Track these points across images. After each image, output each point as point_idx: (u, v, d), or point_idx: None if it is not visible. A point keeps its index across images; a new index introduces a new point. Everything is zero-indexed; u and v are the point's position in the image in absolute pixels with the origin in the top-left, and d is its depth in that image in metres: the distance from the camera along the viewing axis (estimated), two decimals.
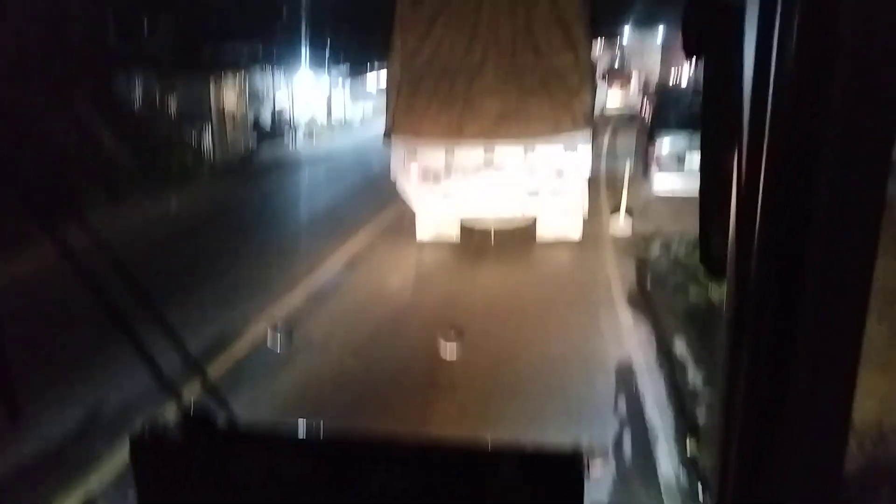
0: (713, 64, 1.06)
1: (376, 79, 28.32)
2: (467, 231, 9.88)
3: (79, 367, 5.91)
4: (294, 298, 7.81)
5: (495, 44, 8.66)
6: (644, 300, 7.65)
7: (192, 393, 1.66)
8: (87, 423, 5.16)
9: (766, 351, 0.92)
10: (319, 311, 7.54)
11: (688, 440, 4.77)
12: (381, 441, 1.25)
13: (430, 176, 9.07)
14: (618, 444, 4.83)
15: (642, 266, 8.84)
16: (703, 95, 1.15)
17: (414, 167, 9.08)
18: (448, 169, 9.01)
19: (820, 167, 0.84)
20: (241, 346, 6.36)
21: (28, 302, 7.49)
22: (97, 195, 12.80)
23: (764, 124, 0.87)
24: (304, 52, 22.56)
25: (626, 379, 5.76)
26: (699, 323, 6.79)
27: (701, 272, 7.03)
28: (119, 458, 4.41)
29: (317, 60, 23.61)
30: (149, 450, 1.27)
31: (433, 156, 8.99)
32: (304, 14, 21.39)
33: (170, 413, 1.43)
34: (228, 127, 19.62)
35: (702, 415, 5.10)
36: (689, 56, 0.98)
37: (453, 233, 9.79)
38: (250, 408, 5.19)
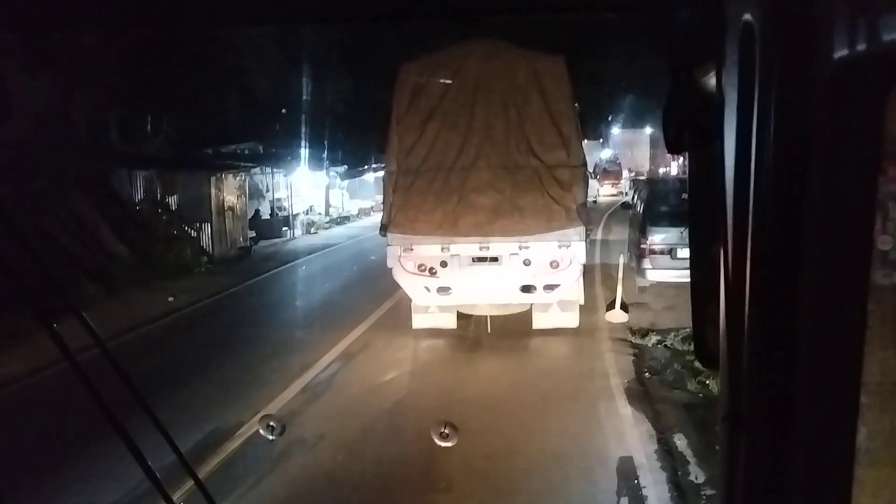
0: (697, 157, 1.10)
1: (374, 174, 28.94)
2: (463, 318, 9.86)
3: (70, 464, 5.75)
4: (288, 394, 7.69)
5: (489, 142, 8.91)
6: (643, 393, 7.55)
7: (182, 492, 1.62)
8: None
9: (762, 447, 0.91)
10: (313, 407, 7.42)
11: None
12: None
13: (426, 269, 9.14)
14: None
15: (639, 358, 8.79)
16: (689, 188, 1.18)
17: (410, 261, 9.16)
18: (444, 262, 9.08)
19: (804, 253, 0.85)
20: (232, 444, 6.23)
21: (21, 398, 7.38)
22: (94, 289, 12.82)
23: (747, 213, 0.89)
24: (303, 151, 23.13)
25: (627, 476, 5.60)
26: (698, 416, 6.69)
27: (698, 364, 6.99)
28: None
29: (316, 158, 24.18)
30: None
31: (429, 249, 9.08)
32: (302, 115, 22.06)
33: None
34: (227, 223, 19.87)
35: None
36: (671, 152, 1.01)
37: (449, 322, 9.81)
38: None
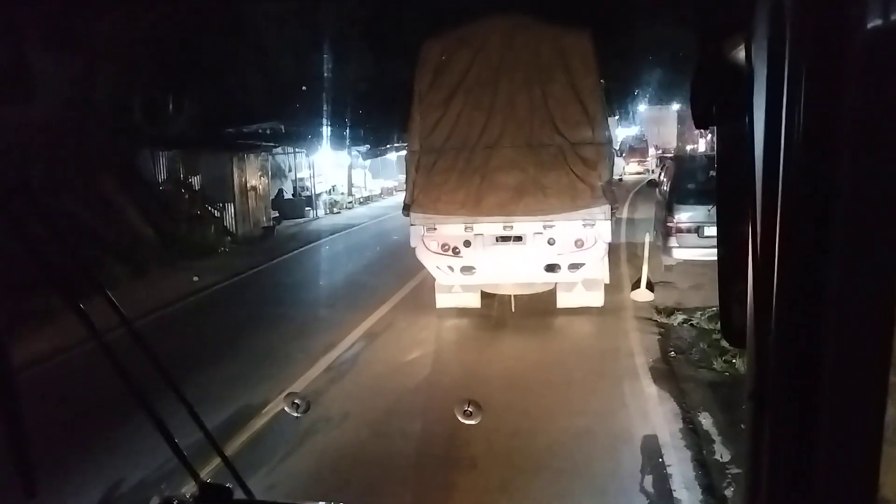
0: (725, 133, 1.08)
1: (396, 153, 28.95)
2: (488, 298, 9.87)
3: (98, 443, 5.88)
4: (312, 373, 7.78)
5: (512, 119, 8.83)
6: (668, 371, 7.52)
7: (208, 469, 1.64)
8: (106, 500, 5.10)
9: (788, 426, 0.90)
10: (338, 386, 7.50)
11: None
12: None
13: (449, 249, 9.13)
14: None
15: (665, 337, 8.74)
16: (717, 165, 1.16)
17: (433, 240, 9.16)
18: (467, 242, 9.07)
19: (833, 233, 0.83)
20: (258, 422, 6.33)
21: (49, 377, 7.55)
22: (120, 270, 13.03)
23: (776, 191, 0.87)
24: (325, 130, 23.17)
25: (651, 454, 5.60)
26: (724, 395, 6.65)
27: (724, 342, 6.94)
28: None
29: (338, 137, 24.21)
30: None
31: (452, 229, 9.07)
32: (325, 94, 22.07)
33: (187, 489, 1.42)
34: (250, 203, 20.04)
35: (730, 492, 4.94)
36: (699, 127, 1.00)
37: (473, 301, 9.82)
38: (267, 484, 5.13)
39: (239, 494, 1.50)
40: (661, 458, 5.51)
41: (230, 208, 19.07)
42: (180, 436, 1.47)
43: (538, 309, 9.76)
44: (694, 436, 5.91)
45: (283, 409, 2.31)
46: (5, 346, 1.24)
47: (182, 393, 1.51)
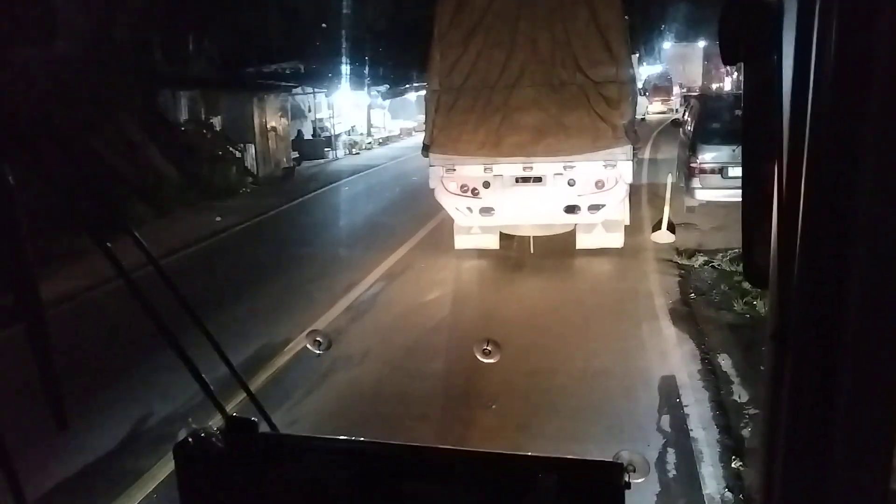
0: (752, 70, 1.05)
1: (415, 95, 28.59)
2: (506, 239, 9.88)
3: (127, 378, 6.06)
4: (334, 312, 7.89)
5: (534, 58, 8.66)
6: (688, 313, 7.52)
7: (234, 404, 1.69)
8: (133, 434, 5.27)
9: (809, 366, 0.90)
10: (358, 325, 7.60)
11: (733, 458, 4.66)
12: (419, 452, 1.25)
13: (468, 190, 9.09)
14: (661, 461, 4.74)
15: (685, 278, 8.72)
16: (744, 103, 1.13)
17: (452, 181, 9.11)
18: (486, 182, 9.01)
19: (862, 173, 0.82)
20: (281, 360, 6.46)
21: (78, 314, 7.72)
22: (144, 209, 13.16)
23: (804, 130, 0.86)
24: (346, 70, 22.89)
25: (669, 394, 5.65)
26: (744, 337, 6.66)
27: (745, 284, 6.92)
28: (164, 468, 4.50)
29: (357, 78, 23.92)
30: (192, 457, 1.29)
31: (471, 170, 9.01)
32: (344, 33, 21.73)
33: (214, 422, 1.46)
34: (271, 143, 20.00)
35: (748, 432, 4.99)
36: (727, 63, 0.97)
37: (492, 242, 9.81)
38: (290, 419, 5.27)
39: (264, 428, 1.54)
40: (679, 398, 5.56)
41: (251, 149, 19.07)
42: (206, 372, 1.50)
43: (557, 250, 9.75)
44: (712, 377, 5.94)
45: (305, 348, 2.35)
46: (36, 282, 1.26)
47: (208, 330, 1.54)
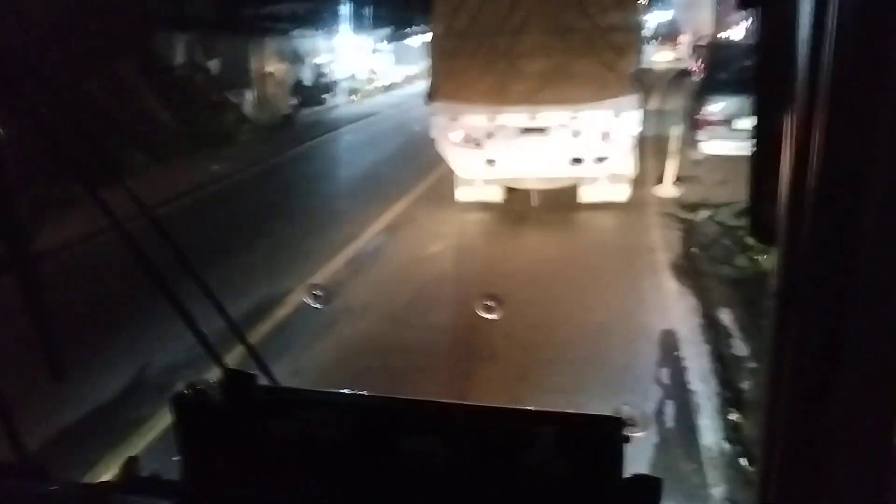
0: (768, 16, 1.01)
1: (419, 40, 28.07)
2: (509, 192, 9.80)
3: (123, 330, 6.07)
4: (334, 265, 7.88)
5: (539, 3, 8.46)
6: (690, 268, 7.51)
7: (233, 356, 1.68)
8: (131, 386, 5.31)
9: (816, 323, 0.88)
10: (359, 277, 7.61)
11: (732, 411, 4.71)
12: (418, 405, 1.25)
13: (471, 140, 8.97)
14: (660, 413, 4.79)
15: (688, 233, 8.69)
16: (757, 52, 1.09)
17: (455, 131, 9.00)
18: (490, 133, 8.89)
19: (879, 128, 0.78)
20: (281, 313, 6.47)
21: (73, 266, 7.70)
22: (139, 157, 13.05)
23: (820, 80, 0.82)
24: (347, 12, 22.42)
25: (669, 348, 5.68)
26: (746, 292, 6.66)
27: (749, 240, 6.89)
28: (163, 419, 4.54)
29: (359, 21, 23.45)
30: (191, 408, 1.29)
31: (475, 119, 8.87)
32: None
33: (211, 376, 1.45)
34: (268, 89, 19.72)
35: (747, 386, 5.03)
36: (741, 7, 0.92)
37: (495, 195, 9.72)
38: (290, 370, 5.30)
39: (263, 381, 1.53)
40: (679, 351, 5.59)
41: (248, 94, 18.79)
42: (204, 324, 1.49)
43: (560, 203, 9.69)
44: (713, 331, 5.96)
45: (305, 297, 2.35)
46: (27, 233, 1.24)
47: (204, 282, 1.52)
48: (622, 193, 9.46)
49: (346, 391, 1.32)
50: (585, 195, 9.50)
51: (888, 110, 0.78)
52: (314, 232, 9.17)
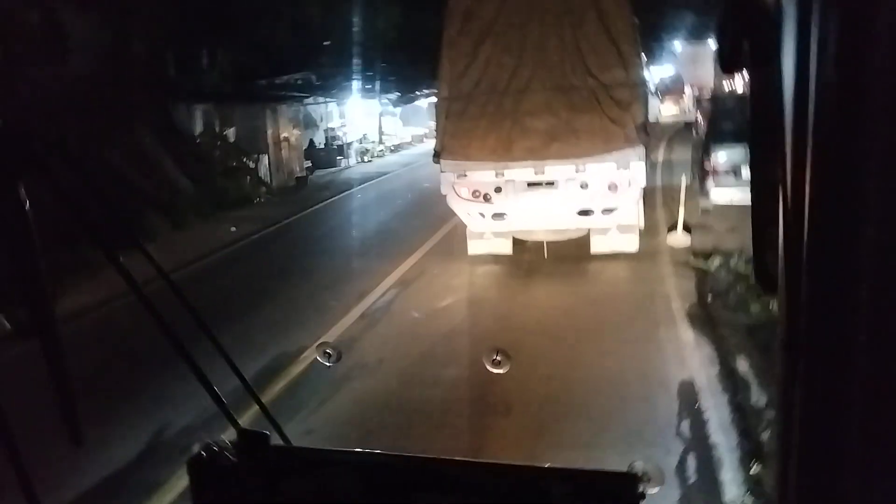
0: (755, 76, 1.05)
1: (426, 102, 28.65)
2: (520, 244, 9.85)
3: (141, 392, 6.08)
4: (348, 320, 7.89)
5: (543, 63, 8.66)
6: (705, 316, 7.46)
7: (247, 416, 1.69)
8: (147, 447, 5.29)
9: (820, 370, 0.89)
10: (372, 332, 7.61)
11: (753, 463, 4.62)
12: (432, 463, 1.25)
13: (480, 195, 9.10)
14: (681, 466, 4.69)
15: (702, 281, 8.65)
16: (749, 108, 1.13)
17: (464, 187, 9.13)
18: (498, 187, 9.01)
19: (866, 176, 0.81)
20: (295, 370, 6.47)
21: (92, 329, 7.77)
22: (159, 222, 13.26)
23: (807, 134, 0.85)
24: (357, 80, 23.01)
25: (688, 399, 5.60)
26: (762, 340, 6.59)
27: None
28: (180, 480, 4.51)
29: (368, 86, 24.03)
30: (206, 469, 1.30)
31: (483, 175, 9.02)
32: (355, 43, 21.84)
33: (226, 435, 1.46)
34: (284, 153, 20.13)
35: (767, 435, 4.93)
36: (727, 71, 0.96)
37: (505, 247, 9.79)
38: (303, 430, 5.27)
39: (276, 440, 1.54)
40: (698, 402, 5.51)
41: (264, 159, 19.21)
42: (219, 384, 1.51)
43: (571, 255, 9.71)
44: (731, 380, 5.88)
45: (318, 355, 2.37)
46: (50, 297, 1.28)
47: (220, 342, 1.55)
48: (632, 243, 9.50)
49: (359, 450, 1.33)
50: (596, 246, 9.55)
51: (872, 160, 0.81)
52: (328, 288, 9.23)
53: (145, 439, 5.37)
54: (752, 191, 1.16)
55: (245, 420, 1.54)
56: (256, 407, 1.68)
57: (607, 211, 8.92)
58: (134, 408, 5.85)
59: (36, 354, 1.27)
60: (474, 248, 9.81)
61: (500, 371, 2.46)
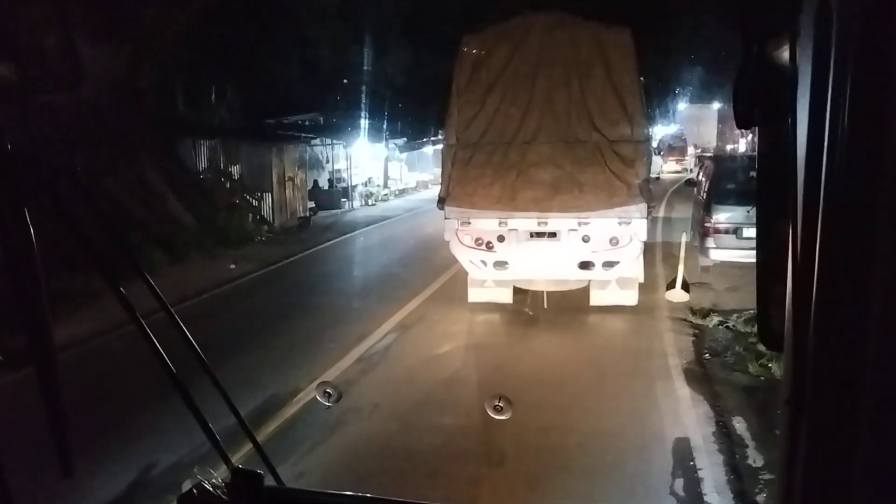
0: (766, 133, 1.06)
1: (433, 147, 28.97)
2: (520, 293, 9.86)
3: (135, 424, 6.01)
4: (345, 363, 7.84)
5: (550, 115, 8.79)
6: (702, 374, 7.42)
7: (240, 454, 1.67)
8: (138, 483, 5.20)
9: (825, 433, 0.88)
10: (369, 376, 7.54)
11: None
12: None
13: (483, 243, 9.14)
14: None
15: (699, 338, 8.63)
16: (758, 166, 1.14)
17: (467, 234, 9.17)
18: (501, 236, 9.06)
19: (877, 237, 0.81)
20: (289, 410, 6.40)
21: (89, 359, 7.71)
22: (159, 255, 13.27)
23: (818, 193, 0.86)
24: (364, 124, 23.31)
25: (683, 457, 5.53)
26: (759, 400, 6.54)
27: (761, 347, 6.82)
28: None
29: (375, 130, 24.33)
30: None
31: (486, 223, 9.07)
32: (364, 88, 22.22)
33: (218, 473, 1.44)
34: (287, 193, 20.25)
35: (762, 498, 4.86)
36: (741, 127, 0.97)
37: (505, 297, 9.80)
38: (296, 472, 5.18)
39: (269, 481, 1.52)
40: (693, 461, 5.44)
41: (268, 198, 19.30)
42: (214, 421, 1.49)
43: (571, 306, 9.70)
44: (727, 440, 5.82)
45: (315, 398, 2.34)
46: (49, 326, 1.27)
47: (216, 378, 1.53)
48: (631, 298, 9.51)
49: (352, 493, 1.31)
50: (595, 298, 9.56)
51: (883, 222, 0.81)
52: (326, 329, 9.18)
53: (135, 474, 5.27)
54: (757, 248, 1.16)
55: (238, 459, 1.52)
56: (251, 446, 1.66)
57: (608, 265, 8.95)
58: (126, 441, 5.76)
59: (26, 384, 1.26)
60: (474, 295, 9.82)
61: (502, 417, 2.44)
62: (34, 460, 1.46)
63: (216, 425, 1.51)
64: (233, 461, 1.52)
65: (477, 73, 8.97)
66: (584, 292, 9.59)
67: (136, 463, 5.41)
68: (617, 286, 9.41)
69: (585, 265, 9.00)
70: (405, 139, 28.06)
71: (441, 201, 9.27)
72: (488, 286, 9.72)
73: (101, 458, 5.21)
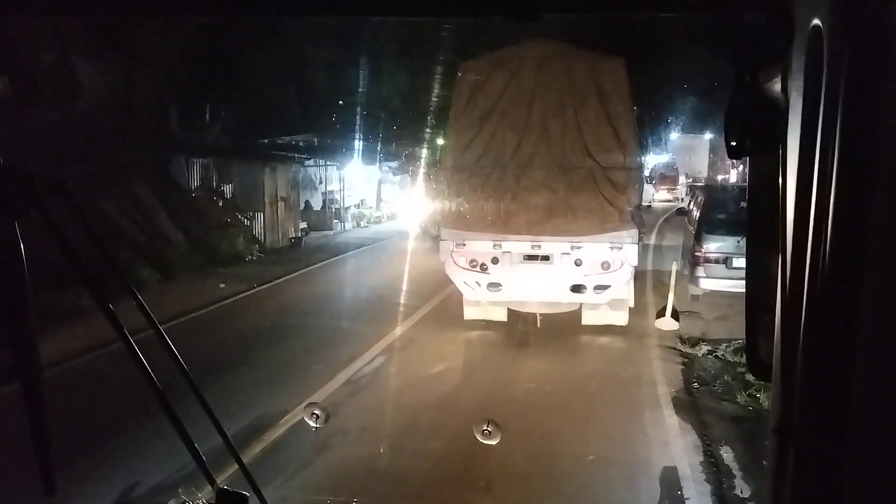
0: (757, 166, 1.07)
1: (427, 169, 29.03)
2: (513, 316, 9.89)
3: (119, 442, 5.93)
4: (333, 385, 7.79)
5: (545, 141, 8.89)
6: (691, 403, 7.41)
7: (225, 475, 1.65)
8: (123, 500, 5.13)
9: (812, 461, 0.89)
10: (357, 399, 7.49)
11: None
12: None
13: (477, 265, 9.22)
14: None
15: (689, 367, 8.63)
16: (748, 197, 1.15)
17: (462, 256, 9.25)
18: (495, 259, 9.14)
19: (866, 270, 0.82)
20: (276, 432, 6.34)
21: (75, 375, 7.63)
22: (149, 273, 13.19)
23: (807, 226, 0.86)
24: (357, 144, 23.35)
25: (671, 486, 5.50)
26: (747, 429, 6.53)
27: (748, 376, 6.82)
28: None
29: (369, 152, 24.37)
30: None
31: (481, 246, 9.16)
32: (358, 109, 22.28)
33: (203, 494, 1.42)
34: (279, 213, 20.20)
35: None
36: (733, 157, 0.98)
37: (500, 315, 9.90)
38: (281, 495, 5.12)
39: (254, 502, 1.50)
40: (681, 490, 5.41)
41: (260, 217, 19.26)
42: (199, 440, 1.48)
43: (563, 331, 9.70)
44: (714, 469, 5.80)
45: (302, 420, 2.32)
46: (36, 342, 1.26)
47: (204, 398, 1.52)
48: (622, 318, 9.64)
49: None
50: (587, 318, 9.66)
51: (872, 255, 0.82)
52: (315, 350, 9.12)
53: (117, 494, 5.19)
54: (747, 278, 1.17)
55: (224, 479, 1.51)
56: (236, 467, 1.64)
57: (599, 288, 9.01)
58: (110, 459, 5.68)
59: (11, 400, 1.25)
60: (470, 313, 9.92)
61: (491, 442, 2.43)
62: (16, 478, 1.44)
63: (202, 445, 1.50)
64: (217, 482, 1.50)
65: (474, 98, 9.08)
66: (576, 314, 9.63)
67: (120, 482, 5.33)
68: (608, 307, 9.51)
69: (577, 288, 9.06)
70: (399, 161, 28.12)
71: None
72: (483, 305, 9.82)
73: (84, 477, 5.13)
